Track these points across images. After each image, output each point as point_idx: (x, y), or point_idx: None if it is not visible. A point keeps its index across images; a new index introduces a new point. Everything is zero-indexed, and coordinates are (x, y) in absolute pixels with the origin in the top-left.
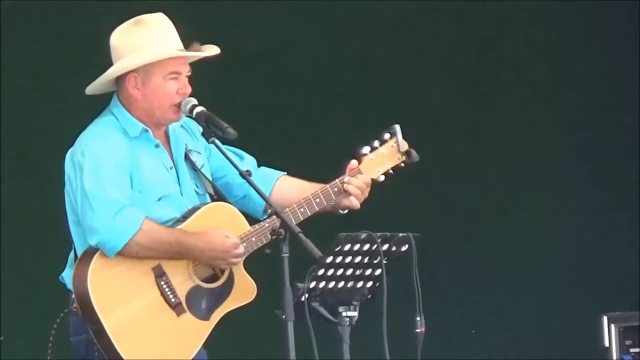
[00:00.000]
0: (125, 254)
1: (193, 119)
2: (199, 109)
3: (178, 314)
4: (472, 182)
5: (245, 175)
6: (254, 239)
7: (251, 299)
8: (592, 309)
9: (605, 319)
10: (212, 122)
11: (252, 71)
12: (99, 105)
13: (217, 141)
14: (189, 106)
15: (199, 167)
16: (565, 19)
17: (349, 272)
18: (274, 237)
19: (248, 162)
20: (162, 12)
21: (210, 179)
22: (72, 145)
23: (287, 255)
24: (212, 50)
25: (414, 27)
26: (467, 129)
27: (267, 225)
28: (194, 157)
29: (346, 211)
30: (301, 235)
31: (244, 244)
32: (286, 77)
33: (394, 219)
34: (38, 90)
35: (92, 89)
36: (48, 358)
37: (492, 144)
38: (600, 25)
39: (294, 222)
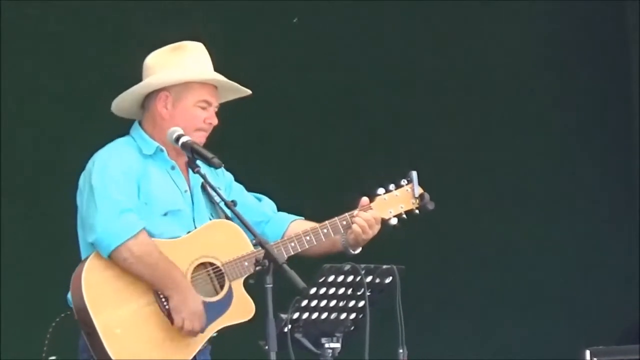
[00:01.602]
0: (114, 257)
1: (181, 148)
2: (185, 138)
3: (172, 322)
4: (458, 212)
5: (230, 205)
6: (246, 263)
7: (248, 318)
8: (575, 341)
9: (588, 353)
10: (197, 152)
11: (240, 99)
12: (101, 126)
13: (202, 171)
14: (174, 136)
15: (216, 201)
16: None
17: (333, 303)
18: (257, 267)
19: (266, 204)
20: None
21: (227, 215)
22: (72, 168)
23: (271, 286)
24: (244, 90)
25: (401, 55)
26: (453, 159)
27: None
28: (212, 191)
29: (358, 251)
30: (285, 266)
31: (246, 263)
32: (275, 105)
33: (378, 251)
34: (43, 97)
35: (119, 106)
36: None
37: (478, 174)
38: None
39: (283, 253)
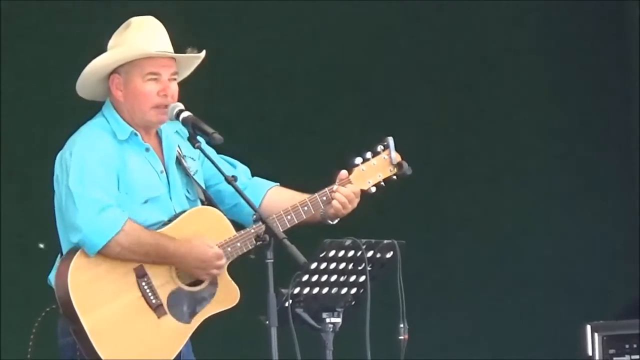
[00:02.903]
0: (106, 254)
1: (182, 124)
2: (186, 114)
3: (159, 316)
4: (457, 189)
5: (230, 180)
6: (238, 244)
7: (234, 304)
8: (575, 317)
9: (588, 327)
10: (198, 128)
11: (238, 76)
12: (88, 105)
13: (202, 146)
14: (175, 111)
15: (192, 173)
16: (554, 25)
17: (333, 278)
18: (258, 242)
19: (241, 171)
20: (147, 12)
21: (203, 186)
22: (60, 148)
23: (272, 261)
24: (191, 55)
25: (401, 34)
26: (452, 136)
27: (252, 231)
28: (187, 162)
29: (336, 221)
30: (286, 241)
31: (229, 248)
32: (272, 83)
33: (379, 226)
34: (27, 92)
35: (85, 92)
36: (28, 356)
37: (478, 151)
38: (586, 31)
39: (279, 228)
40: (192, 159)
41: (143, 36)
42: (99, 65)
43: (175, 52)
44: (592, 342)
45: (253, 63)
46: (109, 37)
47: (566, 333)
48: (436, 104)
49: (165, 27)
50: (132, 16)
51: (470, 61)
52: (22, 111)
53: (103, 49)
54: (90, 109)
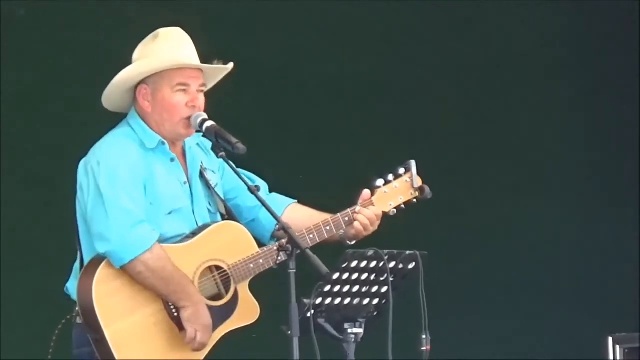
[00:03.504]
0: (128, 270)
1: (203, 134)
2: (209, 123)
3: (180, 329)
4: (478, 199)
5: (254, 190)
6: (261, 260)
7: (253, 320)
8: (597, 329)
9: (610, 340)
10: (221, 137)
11: (262, 86)
12: (113, 115)
13: (225, 156)
14: (198, 120)
15: (212, 185)
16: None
17: (356, 289)
18: (281, 252)
19: (260, 186)
20: (175, 25)
21: (223, 199)
22: (83, 155)
23: (294, 271)
24: (219, 66)
25: (422, 43)
26: (472, 147)
27: (274, 248)
28: (208, 175)
29: (354, 242)
30: (308, 251)
31: (252, 265)
32: (296, 93)
33: (401, 237)
34: (48, 99)
35: (110, 103)
36: None
37: (498, 161)
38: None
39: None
40: (213, 171)
41: (172, 47)
42: (128, 76)
43: (201, 63)
44: (614, 354)
45: (276, 72)
46: (127, 43)
47: (587, 345)
48: (456, 111)
49: (191, 37)
50: (149, 21)
51: (491, 67)
52: (39, 117)
53: (123, 57)
54: (109, 116)
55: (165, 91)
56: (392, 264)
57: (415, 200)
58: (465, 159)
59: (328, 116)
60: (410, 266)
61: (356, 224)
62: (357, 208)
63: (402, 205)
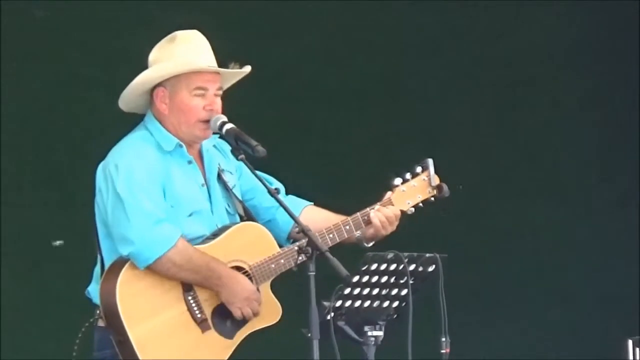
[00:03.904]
0: (155, 269)
1: (222, 136)
2: (229, 126)
3: (203, 331)
4: (498, 202)
5: (274, 193)
6: (282, 261)
7: (276, 321)
8: (617, 332)
9: (630, 342)
10: (241, 140)
11: (279, 87)
12: (130, 117)
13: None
14: (218, 123)
15: (230, 187)
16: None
17: (375, 291)
18: (300, 255)
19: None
20: (192, 27)
21: (240, 200)
22: (102, 158)
23: (314, 273)
24: (238, 70)
25: (439, 44)
26: (491, 148)
27: (295, 247)
28: (226, 177)
29: (371, 244)
30: (328, 254)
31: (273, 265)
32: (312, 93)
33: (421, 239)
34: (66, 101)
35: (126, 104)
36: None
37: (517, 163)
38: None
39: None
40: (230, 172)
41: (191, 50)
42: (146, 79)
43: (218, 64)
44: (634, 357)
45: (293, 72)
46: (147, 44)
47: (607, 347)
48: (474, 112)
49: (207, 37)
50: (168, 22)
51: (513, 72)
52: (61, 118)
53: (143, 57)
54: (130, 116)
55: (183, 94)
56: (412, 267)
57: (433, 198)
58: (484, 160)
59: (345, 117)
60: (430, 269)
61: (375, 222)
62: (376, 207)
63: (420, 204)
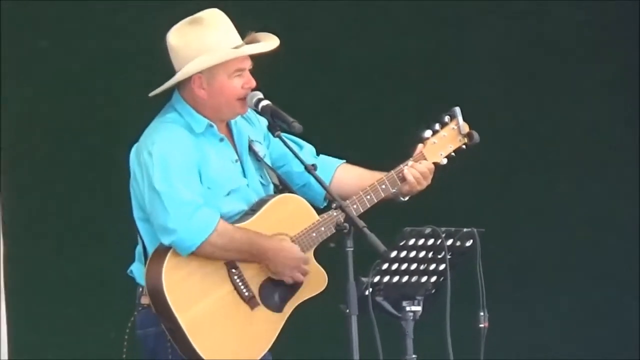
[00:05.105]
0: (199, 254)
1: (259, 112)
2: (265, 102)
3: (252, 308)
4: (535, 177)
5: (311, 169)
6: (322, 228)
7: (323, 288)
8: None
9: None
10: (277, 116)
11: (313, 65)
12: (156, 99)
13: (282, 135)
14: (254, 100)
15: (261, 157)
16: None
17: (413, 266)
18: (338, 231)
19: (307, 150)
20: (219, 7)
21: (272, 168)
22: (134, 140)
23: (352, 249)
24: (271, 43)
25: (471, 23)
26: (527, 123)
27: (334, 214)
28: (256, 147)
29: (407, 198)
30: (366, 229)
31: (314, 234)
32: (346, 72)
33: (458, 214)
34: (97, 85)
35: (156, 91)
36: (124, 356)
37: (554, 138)
38: None
39: (360, 212)
40: (259, 142)
41: (221, 35)
42: (190, 71)
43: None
44: None
45: (326, 51)
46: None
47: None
48: (510, 91)
49: (238, 18)
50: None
51: (542, 49)
52: (97, 98)
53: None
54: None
55: (222, 78)
56: (449, 242)
57: (464, 146)
58: (520, 136)
59: (376, 96)
60: (468, 244)
61: (409, 178)
62: (410, 162)
63: (453, 154)
